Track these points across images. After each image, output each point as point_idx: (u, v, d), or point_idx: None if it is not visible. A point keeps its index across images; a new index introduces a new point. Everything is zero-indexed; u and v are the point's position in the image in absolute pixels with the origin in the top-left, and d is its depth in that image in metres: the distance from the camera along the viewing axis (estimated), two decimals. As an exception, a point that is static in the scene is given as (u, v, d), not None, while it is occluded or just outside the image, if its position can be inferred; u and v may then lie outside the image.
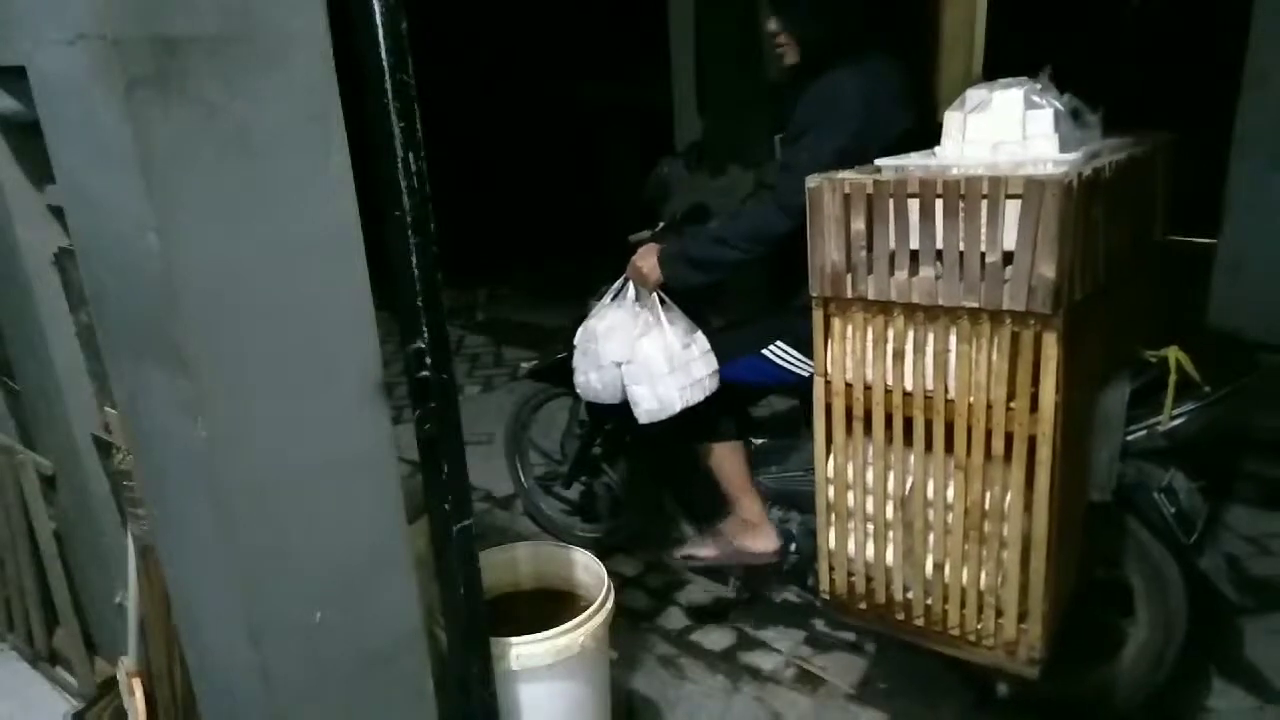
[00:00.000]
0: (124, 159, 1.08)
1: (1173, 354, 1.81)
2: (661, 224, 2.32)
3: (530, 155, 6.24)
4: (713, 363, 2.16)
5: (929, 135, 1.77)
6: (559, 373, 2.61)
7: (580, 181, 6.05)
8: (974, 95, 1.64)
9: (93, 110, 1.10)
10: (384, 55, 1.22)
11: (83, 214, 1.29)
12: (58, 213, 1.64)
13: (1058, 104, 1.60)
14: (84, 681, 2.12)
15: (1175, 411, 1.78)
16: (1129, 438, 1.79)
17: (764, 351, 2.13)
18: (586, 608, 1.79)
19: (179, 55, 1.06)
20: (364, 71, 1.24)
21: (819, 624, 2.48)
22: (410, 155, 1.26)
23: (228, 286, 1.15)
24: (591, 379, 2.21)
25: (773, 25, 2.00)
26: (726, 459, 2.29)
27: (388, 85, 1.23)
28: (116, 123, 1.06)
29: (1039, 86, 1.61)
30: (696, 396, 2.12)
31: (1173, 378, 1.78)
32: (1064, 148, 1.57)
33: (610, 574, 1.91)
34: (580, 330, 2.24)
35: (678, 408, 2.09)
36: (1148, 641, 1.92)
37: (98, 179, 1.18)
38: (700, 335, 2.16)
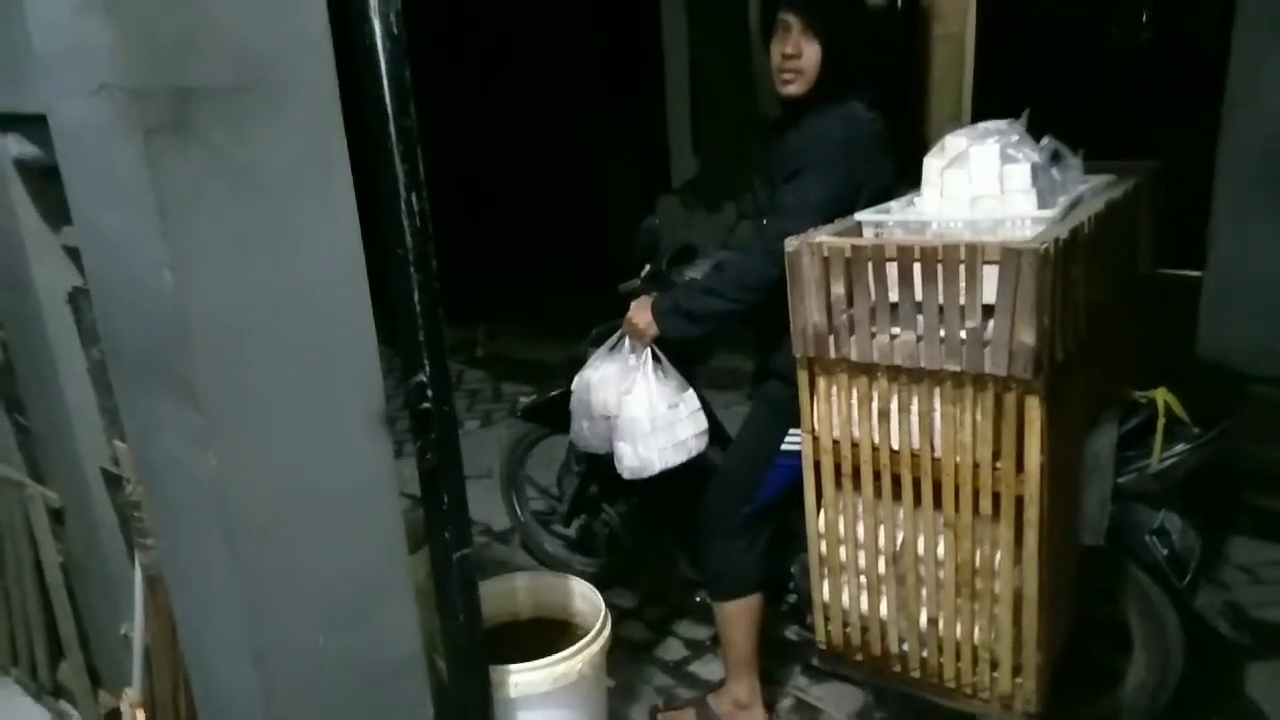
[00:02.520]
0: (141, 201, 1.13)
1: (1161, 396, 1.82)
2: (648, 267, 2.31)
3: (530, 193, 6.34)
4: (701, 423, 2.13)
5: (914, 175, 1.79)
6: (553, 412, 2.64)
7: (579, 219, 6.13)
8: (952, 144, 1.66)
9: (112, 155, 1.16)
10: (388, 101, 1.28)
11: (99, 253, 1.34)
12: (72, 253, 1.70)
13: (1035, 155, 1.61)
14: (87, 714, 2.14)
15: (1165, 454, 1.79)
16: (1120, 480, 1.79)
17: (783, 449, 2.03)
18: (584, 636, 1.82)
19: (195, 104, 1.12)
20: (369, 116, 1.30)
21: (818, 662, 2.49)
22: (413, 196, 1.32)
23: (238, 321, 1.20)
24: (584, 428, 2.21)
25: (790, 47, 1.90)
26: (740, 619, 2.15)
27: (391, 129, 1.29)
28: (134, 167, 1.12)
29: (1015, 138, 1.62)
30: (679, 458, 2.08)
31: (1161, 420, 1.79)
32: (1043, 202, 1.59)
33: (608, 606, 1.94)
34: (577, 379, 2.23)
35: (656, 469, 2.07)
36: (1145, 678, 1.94)
37: (114, 220, 1.23)
38: (691, 394, 2.13)
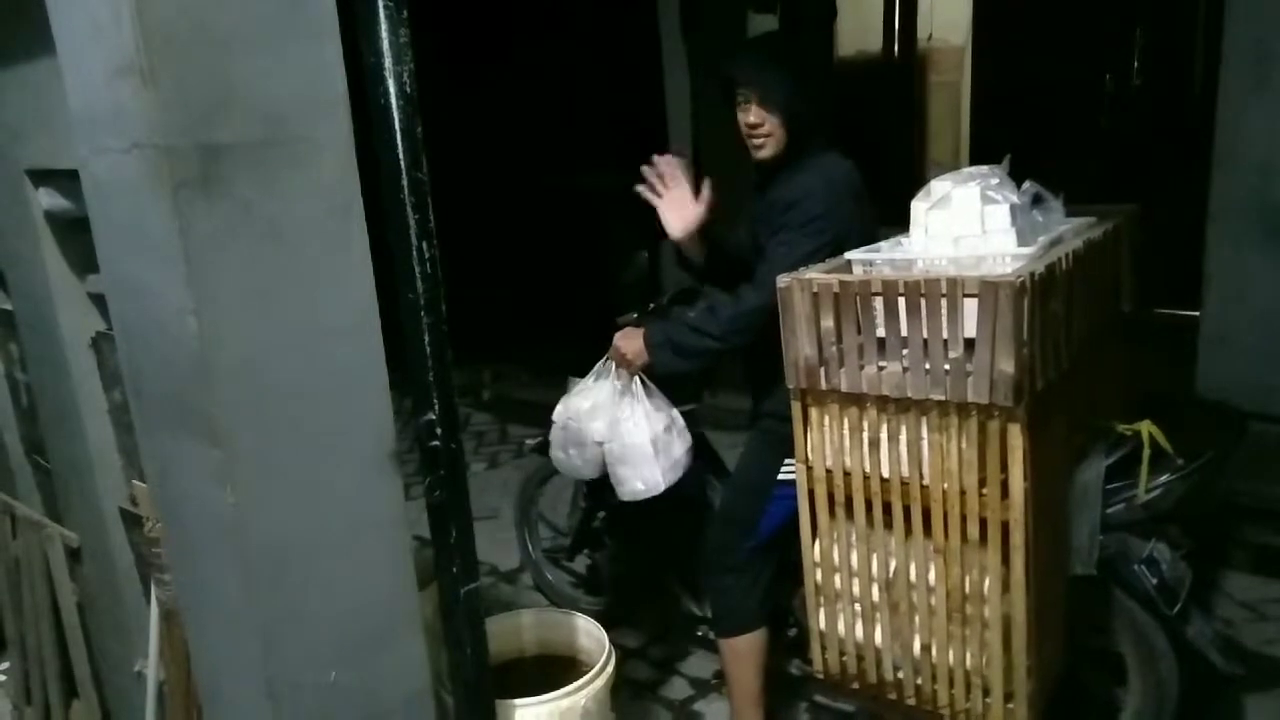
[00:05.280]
0: (168, 251, 1.20)
1: (1145, 428, 1.87)
2: (651, 306, 2.40)
3: (535, 241, 6.45)
4: (688, 439, 2.22)
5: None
6: None
7: (583, 265, 6.23)
8: (937, 188, 1.74)
9: (141, 208, 1.23)
10: (401, 156, 1.35)
11: (125, 300, 1.41)
12: (97, 300, 1.77)
13: (1014, 198, 1.69)
14: (98, 754, 2.16)
15: (1151, 484, 1.83)
16: (1108, 510, 1.83)
17: (780, 478, 2.07)
18: (589, 672, 1.85)
19: (221, 160, 1.19)
20: (383, 170, 1.37)
21: (819, 694, 2.51)
22: (424, 244, 1.38)
23: (258, 364, 1.26)
24: (572, 455, 2.27)
25: (753, 117, 2.00)
26: (746, 656, 2.18)
27: (404, 182, 1.36)
28: (163, 219, 1.19)
29: (995, 181, 1.70)
30: (676, 476, 2.18)
31: (1146, 451, 1.84)
32: (1022, 241, 1.66)
33: (614, 645, 1.96)
34: (560, 407, 2.29)
35: (662, 488, 2.16)
36: (1140, 708, 1.95)
37: (142, 269, 1.30)
38: (676, 413, 2.22)
